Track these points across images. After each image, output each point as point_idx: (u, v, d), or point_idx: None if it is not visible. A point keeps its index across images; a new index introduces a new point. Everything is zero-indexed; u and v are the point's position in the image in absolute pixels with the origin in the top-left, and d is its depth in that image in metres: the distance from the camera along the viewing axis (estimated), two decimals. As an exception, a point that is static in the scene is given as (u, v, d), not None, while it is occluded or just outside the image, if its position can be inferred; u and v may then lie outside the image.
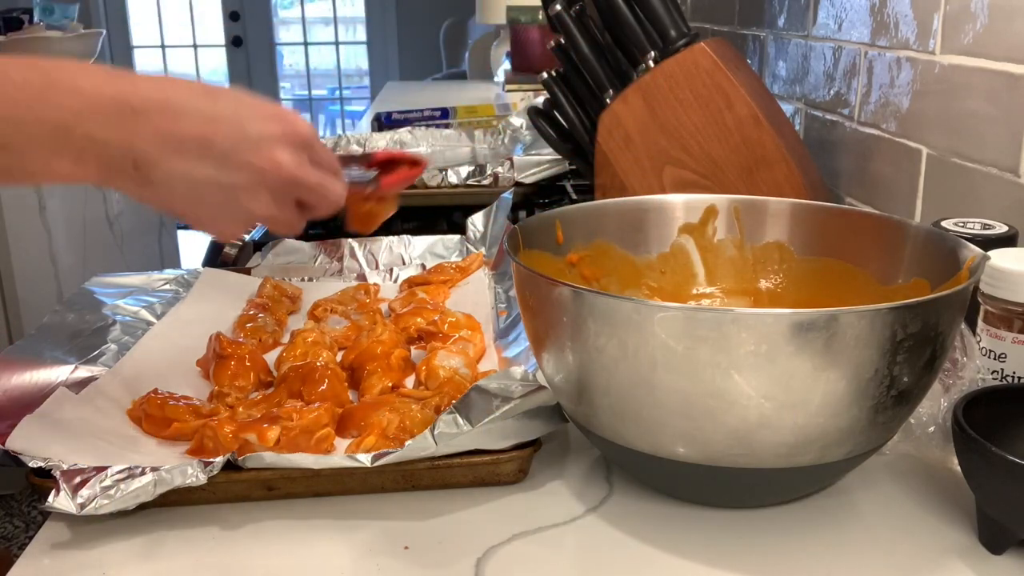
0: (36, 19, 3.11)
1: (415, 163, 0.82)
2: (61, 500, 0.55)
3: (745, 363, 0.50)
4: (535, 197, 1.35)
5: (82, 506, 0.54)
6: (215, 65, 5.95)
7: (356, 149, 1.71)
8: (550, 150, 1.25)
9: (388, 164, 0.79)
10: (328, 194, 0.63)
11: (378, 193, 0.78)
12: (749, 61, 1.44)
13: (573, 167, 1.32)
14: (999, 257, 0.62)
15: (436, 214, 1.38)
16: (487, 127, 1.82)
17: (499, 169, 1.33)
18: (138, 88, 0.56)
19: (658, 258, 0.74)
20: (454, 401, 0.61)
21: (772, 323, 0.50)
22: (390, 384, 0.75)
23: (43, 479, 0.58)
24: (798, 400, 0.51)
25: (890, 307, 0.51)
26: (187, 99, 0.57)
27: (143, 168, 0.56)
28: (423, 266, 1.06)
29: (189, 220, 0.60)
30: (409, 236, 1.10)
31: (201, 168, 0.57)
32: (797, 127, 1.28)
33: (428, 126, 1.81)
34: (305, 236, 1.19)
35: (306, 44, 5.97)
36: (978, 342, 0.65)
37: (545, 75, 1.14)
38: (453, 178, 1.33)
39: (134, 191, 0.58)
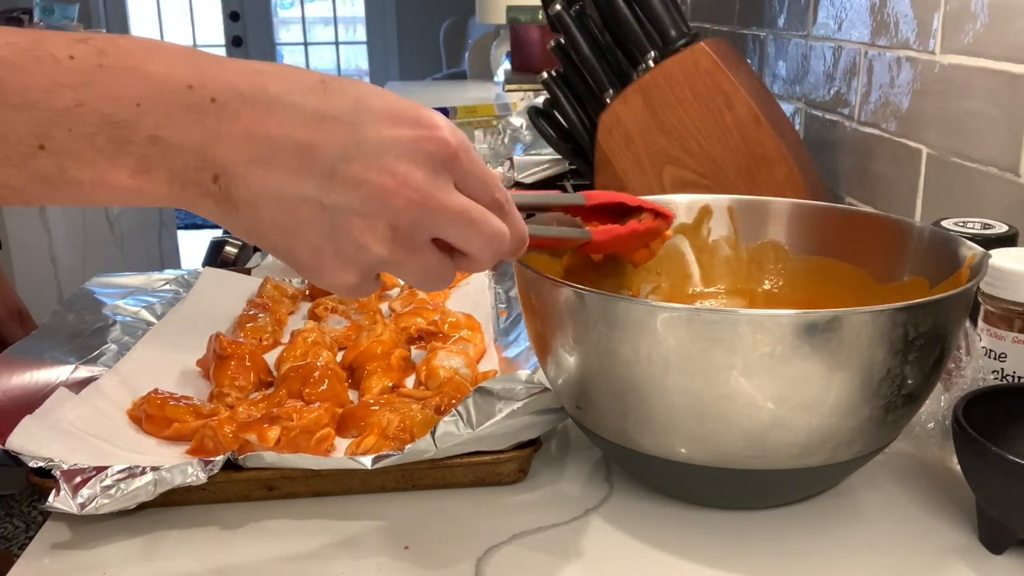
0: (36, 19, 3.11)
1: (658, 215, 0.64)
2: (61, 500, 0.55)
3: (759, 364, 0.50)
4: (535, 197, 1.34)
5: (82, 506, 0.54)
6: (215, 65, 5.95)
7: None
8: (550, 150, 1.25)
9: (612, 211, 0.63)
10: (483, 233, 0.46)
11: (588, 251, 0.62)
12: (749, 61, 1.44)
13: (573, 167, 1.32)
14: (999, 257, 0.62)
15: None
16: (487, 127, 1.82)
17: (499, 169, 1.32)
18: (226, 73, 0.42)
19: (654, 259, 0.74)
20: (456, 404, 0.61)
21: (787, 324, 0.50)
22: (390, 384, 0.75)
23: (43, 479, 0.58)
24: (811, 401, 0.51)
25: (902, 306, 0.51)
26: (289, 91, 0.42)
27: (225, 183, 0.42)
28: (423, 266, 1.06)
29: (288, 258, 0.45)
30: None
31: (298, 185, 0.42)
32: (797, 127, 1.28)
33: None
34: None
35: (306, 44, 5.97)
36: (978, 341, 0.65)
37: (545, 75, 1.14)
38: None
39: (216, 214, 0.43)
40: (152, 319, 0.87)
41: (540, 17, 2.47)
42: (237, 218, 0.43)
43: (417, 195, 0.43)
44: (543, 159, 1.33)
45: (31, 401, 0.65)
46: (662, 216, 0.64)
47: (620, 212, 0.64)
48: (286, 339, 0.85)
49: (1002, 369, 0.64)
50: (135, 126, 0.40)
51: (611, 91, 1.04)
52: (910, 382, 0.53)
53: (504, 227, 0.47)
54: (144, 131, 0.40)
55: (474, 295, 0.96)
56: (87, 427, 0.65)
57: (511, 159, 1.34)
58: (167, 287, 0.95)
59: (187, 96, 0.41)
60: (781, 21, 1.34)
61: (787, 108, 1.30)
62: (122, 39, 0.41)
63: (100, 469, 0.56)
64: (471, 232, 0.45)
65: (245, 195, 0.42)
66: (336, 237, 0.43)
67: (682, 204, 0.74)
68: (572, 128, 1.13)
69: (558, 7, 1.06)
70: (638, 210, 0.64)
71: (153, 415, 0.68)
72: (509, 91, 2.38)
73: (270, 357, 0.81)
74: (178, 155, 0.41)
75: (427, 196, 0.43)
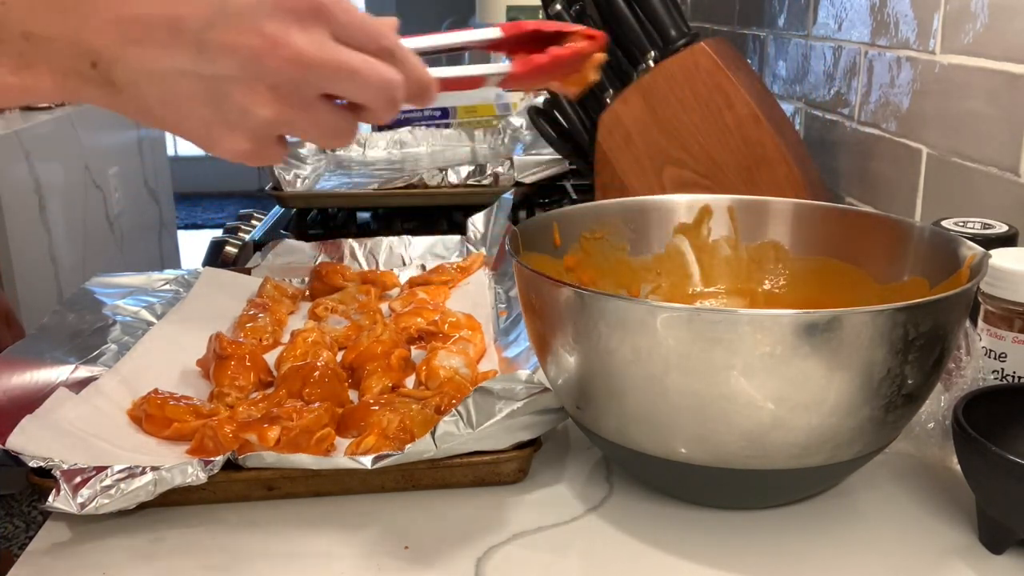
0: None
1: (583, 36, 0.60)
2: (61, 500, 0.55)
3: (759, 364, 0.50)
4: (535, 197, 1.35)
5: (82, 506, 0.54)
6: (215, 65, 5.94)
7: (357, 149, 1.72)
8: (550, 150, 1.25)
9: (533, 39, 0.59)
10: (370, 82, 0.46)
11: (511, 85, 0.59)
12: (749, 61, 1.44)
13: (573, 167, 1.32)
14: (999, 257, 0.62)
15: (436, 214, 1.38)
16: (487, 127, 1.82)
17: (499, 169, 1.33)
18: None
19: (654, 259, 0.74)
20: (456, 404, 0.61)
21: (787, 324, 0.50)
22: (390, 384, 0.75)
23: (43, 479, 0.58)
24: (812, 401, 0.51)
25: (902, 306, 0.51)
26: None
27: (103, 67, 0.43)
28: (423, 266, 1.06)
29: (179, 132, 0.46)
30: (409, 236, 1.10)
31: (173, 58, 0.43)
32: (797, 127, 1.28)
33: (428, 126, 1.82)
34: (305, 236, 1.19)
35: (306, 44, 5.96)
36: (978, 341, 0.65)
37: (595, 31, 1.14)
38: (453, 178, 1.33)
39: (102, 99, 0.45)
40: (152, 319, 0.87)
41: (540, 17, 2.47)
42: (123, 100, 0.44)
43: (290, 52, 0.43)
44: (543, 159, 1.33)
45: (31, 401, 0.65)
46: (591, 38, 0.61)
47: (548, 40, 0.61)
48: (286, 339, 0.85)
49: (1002, 369, 0.64)
50: (5, 24, 0.42)
51: (611, 91, 1.04)
52: (910, 382, 0.53)
53: (394, 73, 0.47)
54: (15, 28, 0.42)
55: (474, 295, 0.96)
56: (87, 427, 0.65)
57: (511, 159, 1.34)
58: (167, 287, 0.95)
59: None
60: (781, 21, 1.34)
61: (787, 108, 1.30)
62: None
63: (100, 469, 0.56)
64: (357, 83, 0.45)
65: (125, 76, 0.43)
66: (219, 105, 0.44)
67: (682, 204, 0.74)
68: (572, 128, 1.13)
69: (558, 7, 1.06)
70: (565, 36, 0.61)
71: (153, 415, 0.68)
72: (509, 91, 2.38)
73: (270, 357, 0.81)
74: (52, 47, 0.42)
75: (300, 52, 0.44)
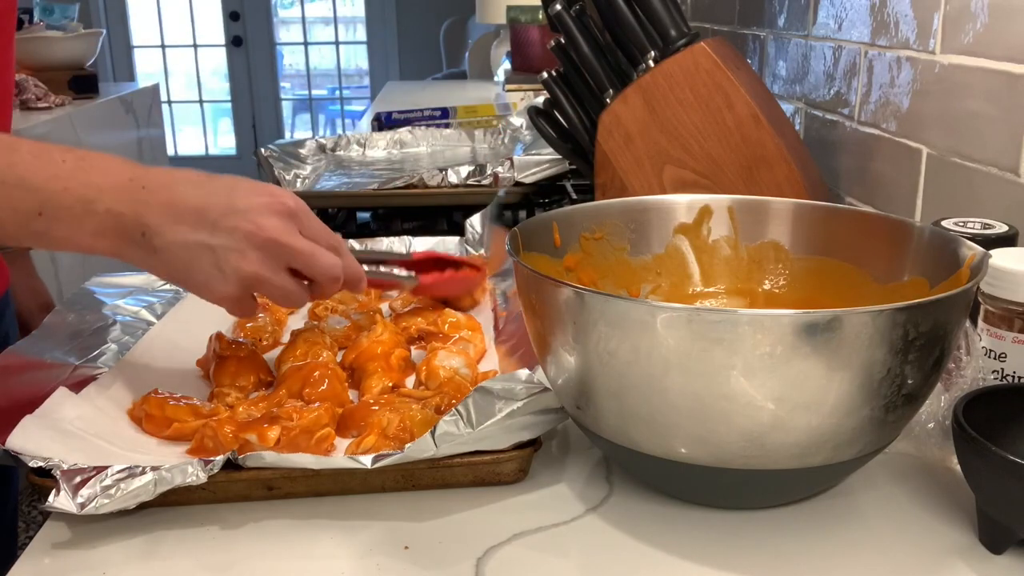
0: (36, 19, 3.11)
1: (473, 268, 0.84)
2: (61, 500, 0.55)
3: (760, 365, 0.50)
4: (535, 197, 1.34)
5: (82, 506, 0.54)
6: (215, 65, 5.95)
7: (357, 149, 1.72)
8: (550, 150, 1.25)
9: (436, 262, 0.82)
10: (319, 263, 0.68)
11: (418, 293, 0.81)
12: (749, 61, 1.44)
13: (573, 167, 1.32)
14: (999, 257, 0.62)
15: (436, 214, 1.38)
16: (487, 127, 1.82)
17: (499, 169, 1.32)
18: (150, 172, 0.66)
19: (654, 259, 0.74)
20: (456, 404, 0.61)
21: (787, 324, 0.50)
22: (390, 384, 0.75)
23: (43, 479, 0.58)
24: (812, 401, 0.51)
25: (902, 306, 0.51)
26: (188, 179, 0.66)
27: (149, 236, 0.64)
28: (423, 266, 1.06)
29: (189, 285, 0.68)
30: (409, 237, 1.10)
31: (195, 234, 0.65)
32: (797, 127, 1.28)
33: (428, 126, 1.82)
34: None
35: (306, 44, 5.97)
36: (978, 341, 0.65)
37: (545, 75, 1.14)
38: (453, 178, 1.33)
39: (142, 259, 0.66)
40: (152, 319, 0.87)
41: (540, 17, 2.47)
42: (155, 259, 0.66)
43: (272, 234, 0.66)
44: (543, 159, 1.33)
45: (31, 401, 0.65)
46: (476, 268, 0.85)
47: (447, 263, 0.85)
48: (286, 339, 0.85)
49: (1002, 369, 0.64)
50: (98, 203, 0.64)
51: (611, 91, 1.04)
52: (910, 382, 0.53)
53: (337, 260, 0.70)
54: (103, 206, 0.64)
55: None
56: (87, 427, 0.65)
57: (511, 159, 1.34)
58: (167, 287, 0.95)
59: (130, 185, 0.65)
60: (781, 21, 1.34)
61: (787, 108, 1.30)
62: (94, 152, 0.66)
63: (100, 469, 0.56)
64: (312, 262, 0.68)
65: (161, 243, 0.65)
66: (219, 264, 0.66)
67: (682, 204, 0.74)
68: (572, 128, 1.13)
69: (558, 7, 1.06)
70: (459, 264, 0.85)
71: (153, 415, 0.68)
72: (509, 91, 2.38)
73: (270, 357, 0.81)
74: (121, 220, 0.64)
75: (278, 237, 0.66)
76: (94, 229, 0.64)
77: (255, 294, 0.69)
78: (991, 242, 0.69)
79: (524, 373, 0.62)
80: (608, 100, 1.03)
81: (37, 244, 0.67)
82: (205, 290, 0.67)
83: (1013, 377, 0.64)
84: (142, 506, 0.56)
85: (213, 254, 0.65)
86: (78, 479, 0.55)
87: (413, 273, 0.82)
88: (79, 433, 0.64)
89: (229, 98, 5.95)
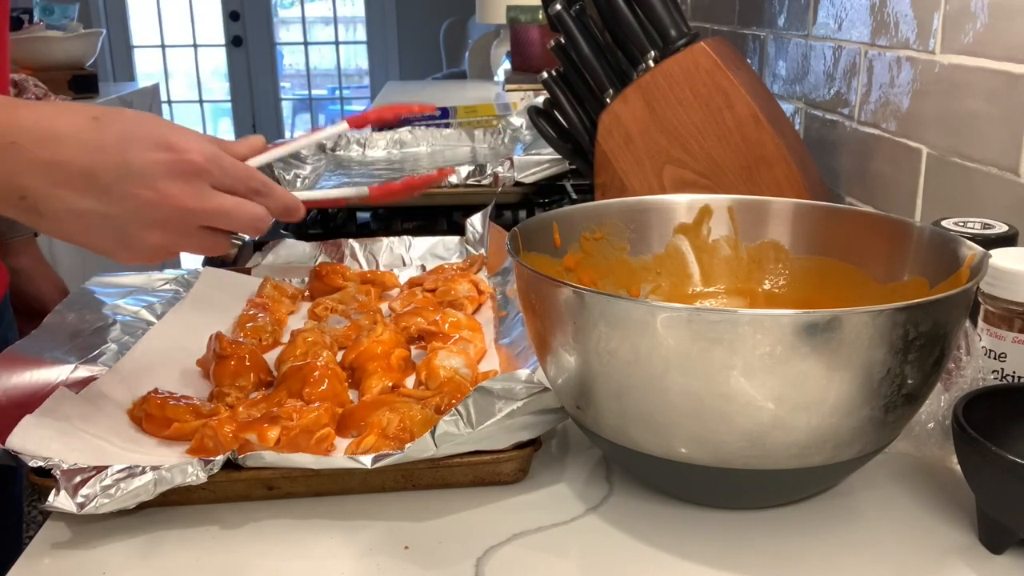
0: (36, 19, 3.11)
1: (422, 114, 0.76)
2: (61, 500, 0.55)
3: (759, 364, 0.50)
4: (535, 197, 1.34)
5: (82, 505, 0.54)
6: (215, 65, 5.95)
7: (356, 149, 1.72)
8: (550, 150, 1.24)
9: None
10: (239, 219, 0.61)
11: (374, 202, 0.74)
12: (749, 61, 1.44)
13: (573, 167, 1.32)
14: (999, 257, 0.62)
15: (436, 214, 1.38)
16: (487, 127, 1.82)
17: (499, 169, 1.32)
18: (19, 119, 0.55)
19: (654, 259, 0.74)
20: (456, 404, 0.61)
21: (787, 324, 0.50)
22: (390, 384, 0.75)
23: (43, 479, 0.58)
24: (812, 401, 0.51)
25: (902, 306, 0.51)
26: (70, 128, 0.56)
27: (31, 200, 0.55)
28: (423, 267, 1.06)
29: (92, 250, 0.60)
30: (409, 237, 1.10)
31: (85, 201, 0.56)
32: (797, 127, 1.28)
33: (428, 126, 1.81)
34: (305, 236, 1.19)
35: (306, 44, 5.97)
36: (978, 341, 0.65)
37: (545, 75, 1.14)
38: (453, 178, 1.33)
39: (29, 222, 0.58)
40: (152, 319, 0.87)
41: (540, 17, 2.47)
42: (43, 224, 0.57)
43: (176, 202, 0.57)
44: (543, 159, 1.33)
45: (31, 401, 0.65)
46: (429, 115, 0.77)
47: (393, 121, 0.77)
48: (286, 339, 0.85)
49: (1002, 369, 0.64)
50: None
51: (611, 91, 1.04)
52: (910, 382, 0.53)
53: (260, 209, 0.62)
54: None
55: (474, 295, 0.96)
56: (87, 427, 0.65)
57: (511, 159, 1.34)
58: (167, 287, 0.95)
59: None
60: (781, 21, 1.34)
61: (787, 108, 1.30)
62: None
63: (100, 469, 0.56)
64: (231, 220, 0.61)
65: (49, 210, 0.56)
66: (119, 236, 0.58)
67: (682, 204, 0.74)
68: (572, 128, 1.13)
69: (558, 7, 1.06)
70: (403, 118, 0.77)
71: (153, 415, 0.68)
72: (509, 91, 2.38)
73: (270, 357, 0.81)
74: None
75: (183, 203, 0.58)
76: None
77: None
78: (991, 242, 0.69)
79: (524, 373, 0.62)
80: (608, 100, 1.03)
81: None
82: (113, 256, 0.60)
83: (1013, 377, 0.64)
84: (142, 506, 0.56)
85: (111, 224, 0.57)
86: (78, 479, 0.55)
87: (364, 189, 0.73)
88: (79, 433, 0.64)
89: (229, 98, 5.95)
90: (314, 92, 6.09)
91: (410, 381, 0.78)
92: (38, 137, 0.55)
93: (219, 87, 6.00)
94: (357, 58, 6.03)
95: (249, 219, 0.61)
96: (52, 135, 0.55)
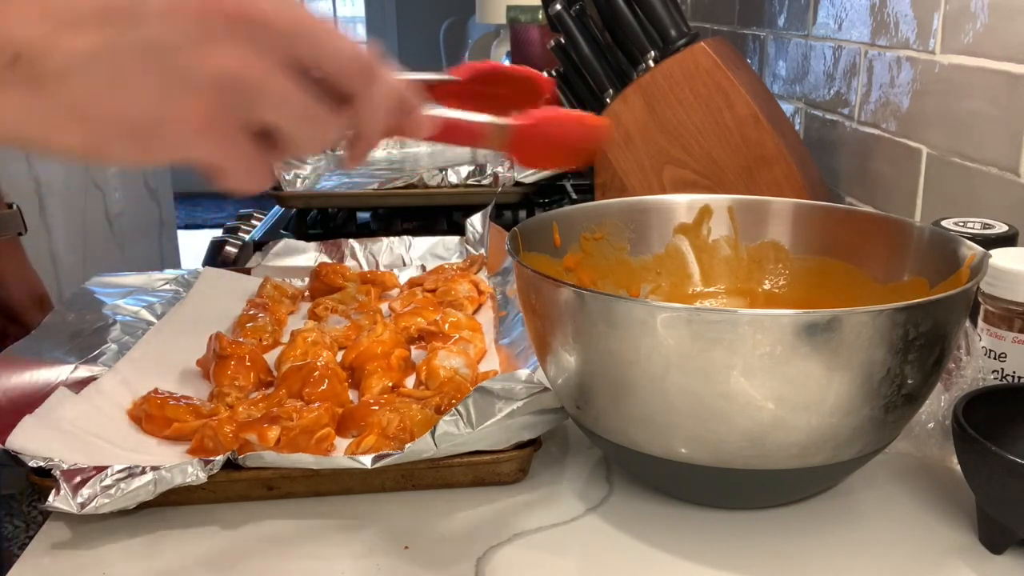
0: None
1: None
2: (61, 499, 0.55)
3: (759, 364, 0.50)
4: (535, 197, 1.35)
5: (82, 505, 0.54)
6: (215, 65, 5.94)
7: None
8: (550, 150, 1.24)
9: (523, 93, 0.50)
10: (336, 47, 0.40)
11: (517, 148, 0.50)
12: (749, 61, 1.44)
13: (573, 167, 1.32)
14: (999, 257, 0.62)
15: (436, 214, 1.38)
16: (487, 127, 1.81)
17: (499, 169, 1.32)
18: None
19: (654, 259, 0.74)
20: (456, 404, 0.61)
21: (787, 324, 0.50)
22: (390, 384, 0.75)
23: (43, 479, 0.58)
24: (812, 401, 0.51)
25: (902, 306, 0.51)
26: None
27: (29, 61, 0.36)
28: (423, 267, 1.06)
29: (121, 125, 0.38)
30: (410, 237, 1.10)
31: (108, 37, 0.36)
32: (797, 127, 1.28)
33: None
34: (305, 236, 1.19)
35: (306, 44, 5.96)
36: (978, 341, 0.65)
37: (545, 75, 1.14)
38: (453, 178, 1.33)
39: (20, 104, 0.37)
40: (152, 319, 0.87)
41: (540, 17, 2.47)
42: (48, 99, 0.37)
43: (246, 7, 0.37)
44: (543, 159, 1.33)
45: (31, 401, 0.65)
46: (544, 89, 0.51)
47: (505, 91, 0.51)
48: (286, 339, 0.85)
49: (1002, 369, 0.64)
50: None
51: (611, 91, 1.04)
52: (910, 382, 0.53)
53: (332, 131, 0.41)
54: None
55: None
56: (87, 427, 0.65)
57: (511, 159, 1.33)
58: (167, 287, 0.95)
59: None
60: (781, 21, 1.34)
61: (787, 108, 1.30)
62: None
63: (100, 469, 0.56)
64: (326, 47, 0.39)
65: (59, 65, 0.36)
66: (165, 71, 0.37)
67: (682, 204, 0.74)
68: (572, 128, 1.13)
69: (558, 7, 1.06)
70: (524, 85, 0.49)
71: (153, 415, 0.68)
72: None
73: (270, 357, 0.81)
74: None
75: (258, 7, 0.38)
76: None
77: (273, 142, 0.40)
78: (991, 242, 0.69)
79: (524, 373, 0.62)
80: (608, 100, 1.03)
81: None
82: (162, 125, 0.38)
83: (1013, 377, 0.64)
84: (142, 506, 0.56)
85: (151, 58, 0.37)
86: (78, 479, 0.55)
87: (506, 120, 0.50)
88: (79, 433, 0.64)
89: (229, 98, 5.94)
90: (314, 92, 6.08)
91: (410, 381, 0.78)
92: None
93: (219, 87, 5.99)
94: (357, 58, 6.02)
95: (349, 52, 0.40)
96: None
